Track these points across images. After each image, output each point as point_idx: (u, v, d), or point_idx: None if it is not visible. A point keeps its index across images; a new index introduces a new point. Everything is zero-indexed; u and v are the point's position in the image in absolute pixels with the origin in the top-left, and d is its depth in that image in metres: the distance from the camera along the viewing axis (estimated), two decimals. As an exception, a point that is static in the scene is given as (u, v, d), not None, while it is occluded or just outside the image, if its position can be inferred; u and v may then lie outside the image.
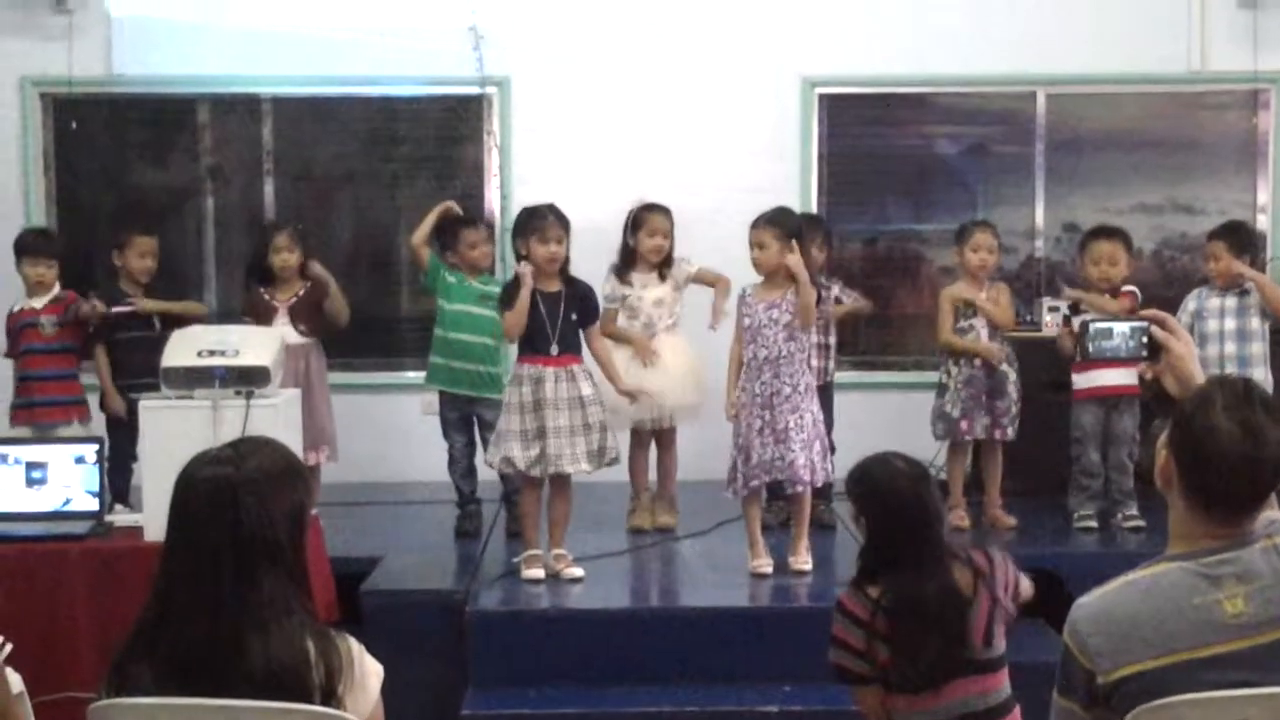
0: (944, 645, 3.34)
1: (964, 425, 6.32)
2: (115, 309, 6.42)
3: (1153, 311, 3.04)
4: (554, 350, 5.49)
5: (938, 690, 3.37)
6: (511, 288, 5.54)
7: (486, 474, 6.29)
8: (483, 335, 6.29)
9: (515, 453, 5.45)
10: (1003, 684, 3.44)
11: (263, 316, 6.40)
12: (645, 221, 6.32)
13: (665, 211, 6.36)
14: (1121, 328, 3.07)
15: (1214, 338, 6.46)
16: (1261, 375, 6.19)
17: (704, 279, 6.40)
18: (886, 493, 3.47)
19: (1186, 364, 2.88)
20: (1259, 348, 6.44)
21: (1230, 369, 6.07)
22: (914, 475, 3.52)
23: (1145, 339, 2.97)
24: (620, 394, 5.76)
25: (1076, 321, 6.30)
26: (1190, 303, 6.58)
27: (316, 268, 6.55)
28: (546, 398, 5.44)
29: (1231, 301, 6.50)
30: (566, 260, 5.58)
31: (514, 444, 5.46)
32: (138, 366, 5.99)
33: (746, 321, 5.59)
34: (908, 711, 3.41)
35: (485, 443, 6.00)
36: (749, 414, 5.52)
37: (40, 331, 6.40)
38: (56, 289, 6.48)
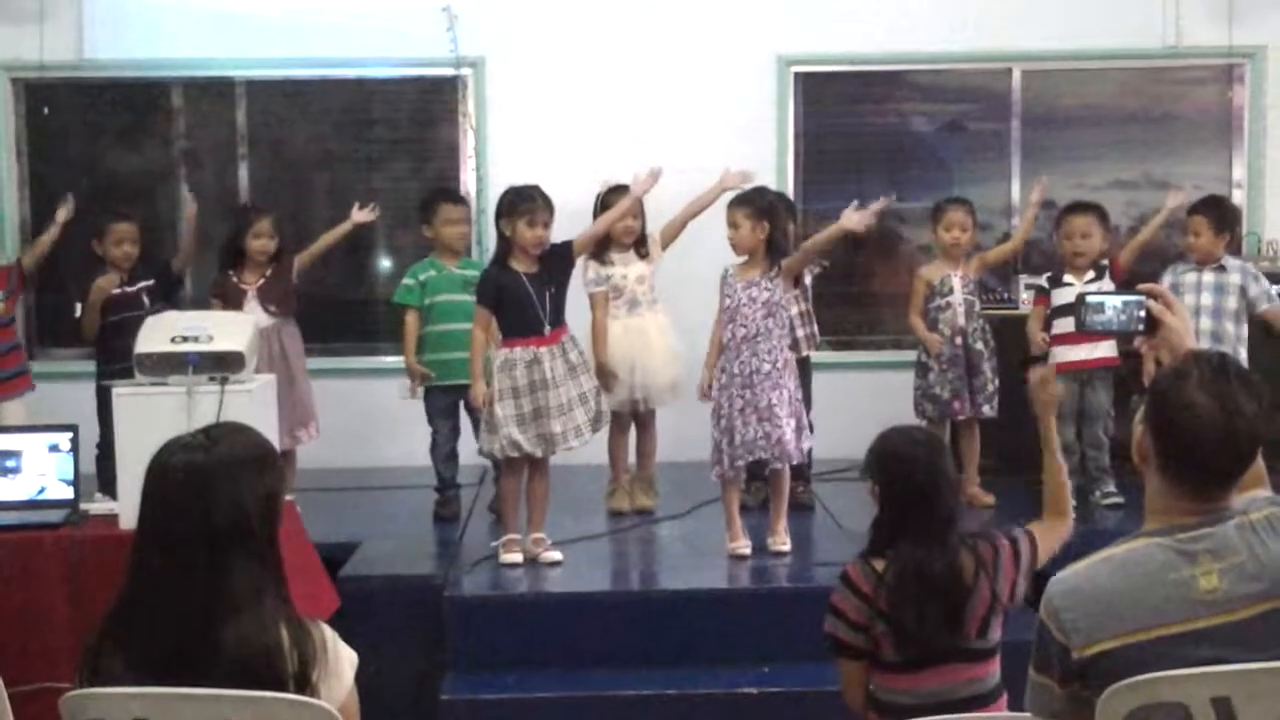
0: (941, 620, 3.33)
1: (956, 405, 6.34)
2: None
3: (1149, 285, 3.01)
4: (546, 330, 5.47)
5: (922, 672, 3.36)
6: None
7: (467, 460, 6.25)
8: (468, 321, 6.23)
9: (517, 436, 5.43)
10: (990, 673, 3.43)
11: (231, 300, 6.34)
12: (611, 205, 6.29)
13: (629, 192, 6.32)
14: (1114, 301, 3.01)
15: (1189, 313, 6.40)
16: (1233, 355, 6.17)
17: (669, 232, 6.40)
18: (902, 462, 3.46)
19: (1182, 338, 2.87)
20: (1232, 327, 6.39)
21: (1204, 345, 6.03)
22: (931, 447, 3.52)
23: (1141, 313, 2.93)
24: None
25: (1055, 295, 6.30)
26: (1166, 277, 6.45)
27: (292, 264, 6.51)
28: (546, 378, 5.42)
29: (1209, 277, 6.44)
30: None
31: (513, 428, 5.43)
32: (128, 350, 5.91)
33: (727, 302, 5.57)
34: (890, 690, 3.40)
35: (476, 426, 5.93)
36: (729, 394, 5.51)
37: None
38: None
